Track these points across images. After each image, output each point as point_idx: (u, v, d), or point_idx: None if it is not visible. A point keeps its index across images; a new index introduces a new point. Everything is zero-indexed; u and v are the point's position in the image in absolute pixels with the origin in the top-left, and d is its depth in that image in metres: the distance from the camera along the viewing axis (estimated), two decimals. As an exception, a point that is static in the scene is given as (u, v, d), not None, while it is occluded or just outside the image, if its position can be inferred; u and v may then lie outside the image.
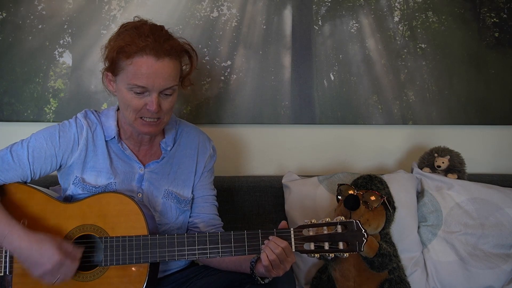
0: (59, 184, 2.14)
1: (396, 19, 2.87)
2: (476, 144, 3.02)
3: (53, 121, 2.69)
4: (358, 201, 2.32)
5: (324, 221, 1.85)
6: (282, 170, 2.89)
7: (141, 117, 1.97)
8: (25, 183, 2.01)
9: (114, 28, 2.64)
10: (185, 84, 2.06)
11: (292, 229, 1.86)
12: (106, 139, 2.07)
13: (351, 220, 1.85)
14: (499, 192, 2.69)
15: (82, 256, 1.87)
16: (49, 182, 2.37)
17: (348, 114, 2.89)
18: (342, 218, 1.85)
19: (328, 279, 2.48)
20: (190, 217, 2.20)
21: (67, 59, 2.69)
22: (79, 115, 2.10)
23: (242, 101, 2.81)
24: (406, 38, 2.89)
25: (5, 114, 2.68)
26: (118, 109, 2.12)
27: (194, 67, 2.05)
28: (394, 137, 2.98)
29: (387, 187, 2.50)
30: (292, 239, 1.85)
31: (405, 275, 2.53)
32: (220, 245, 1.88)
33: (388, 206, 2.42)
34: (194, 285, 2.08)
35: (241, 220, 2.65)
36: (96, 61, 1.94)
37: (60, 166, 2.05)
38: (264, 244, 1.85)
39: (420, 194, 2.71)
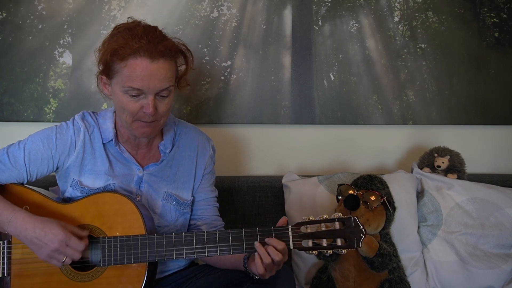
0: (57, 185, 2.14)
1: (396, 19, 2.87)
2: (476, 144, 3.02)
3: (53, 121, 2.69)
4: (358, 201, 2.32)
5: (322, 218, 1.84)
6: (282, 170, 2.89)
7: (138, 120, 1.94)
8: (22, 184, 2.00)
9: (114, 28, 2.66)
10: (182, 84, 2.03)
11: (290, 226, 1.85)
12: (104, 142, 2.05)
13: (348, 216, 1.84)
14: (499, 192, 2.69)
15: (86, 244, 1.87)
16: (49, 182, 2.37)
17: (348, 114, 2.89)
18: (340, 214, 1.85)
19: (328, 279, 2.48)
20: (192, 219, 2.20)
21: (67, 59, 2.69)
22: (76, 117, 2.08)
23: (242, 101, 2.81)
24: (406, 38, 2.89)
25: (5, 114, 2.68)
26: (115, 111, 2.10)
27: (189, 68, 2.02)
28: (394, 137, 2.98)
29: (387, 187, 2.49)
30: (290, 237, 1.84)
31: (405, 275, 2.52)
32: (218, 244, 1.87)
33: (388, 206, 2.42)
34: (193, 284, 2.08)
35: (241, 220, 2.65)
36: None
37: (57, 168, 2.04)
38: (257, 244, 1.84)
39: (420, 194, 2.71)
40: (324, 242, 1.82)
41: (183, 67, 2.01)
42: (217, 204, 2.25)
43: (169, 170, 2.12)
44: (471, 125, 2.98)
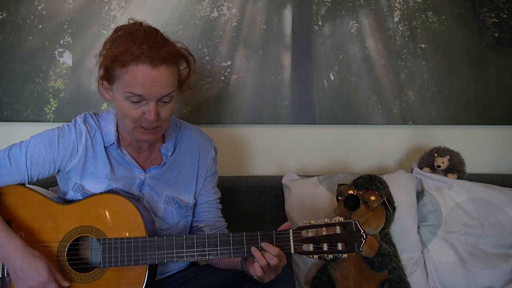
0: (58, 185, 2.13)
1: (396, 19, 2.87)
2: (476, 144, 3.02)
3: (53, 121, 2.69)
4: (358, 201, 2.32)
5: (323, 222, 1.85)
6: (282, 170, 2.89)
7: (139, 126, 1.92)
8: (22, 184, 2.00)
9: (114, 28, 2.65)
10: (184, 88, 2.01)
11: (291, 230, 1.85)
12: (105, 145, 2.03)
13: (350, 220, 1.84)
14: (499, 192, 2.69)
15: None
16: (49, 182, 2.36)
17: (348, 114, 2.89)
18: (341, 218, 1.85)
19: (328, 279, 2.48)
20: (195, 221, 2.20)
21: (67, 59, 2.69)
22: (78, 119, 2.05)
23: (242, 101, 2.81)
24: (406, 38, 2.88)
25: (5, 114, 2.68)
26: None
27: (192, 72, 1.99)
28: (394, 137, 2.98)
29: (387, 187, 2.50)
30: (291, 241, 1.84)
31: (405, 275, 2.53)
32: (219, 247, 1.87)
33: (388, 206, 2.42)
34: (193, 285, 2.08)
35: (241, 220, 2.65)
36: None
37: (59, 171, 2.03)
38: (253, 248, 1.85)
39: (420, 194, 2.71)
40: (325, 246, 1.82)
41: (185, 70, 1.98)
42: (220, 206, 2.25)
43: (171, 173, 2.11)
44: (471, 125, 2.98)
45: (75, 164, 2.01)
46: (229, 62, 2.79)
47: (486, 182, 2.77)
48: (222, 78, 2.79)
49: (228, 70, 2.79)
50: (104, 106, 2.70)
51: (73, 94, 2.70)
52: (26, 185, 2.00)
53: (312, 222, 1.85)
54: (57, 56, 2.68)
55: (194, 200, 2.16)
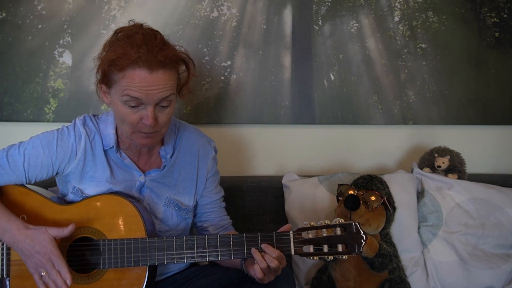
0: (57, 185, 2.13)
1: (396, 19, 2.86)
2: (476, 144, 3.02)
3: (52, 121, 2.69)
4: (358, 201, 2.32)
5: (323, 223, 1.85)
6: (282, 170, 2.89)
7: (137, 131, 1.90)
8: (21, 185, 1.99)
9: (114, 28, 2.62)
10: (183, 92, 1.99)
11: (291, 232, 1.86)
12: (105, 148, 2.02)
13: (350, 222, 1.85)
14: (499, 192, 2.69)
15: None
16: (49, 182, 2.34)
17: (348, 114, 2.88)
18: (341, 220, 1.85)
19: (328, 279, 2.48)
20: (199, 221, 2.20)
21: (67, 59, 2.69)
22: (77, 122, 2.04)
23: (242, 101, 2.81)
24: (406, 38, 2.88)
25: (5, 114, 2.68)
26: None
27: (191, 76, 1.97)
28: (394, 137, 2.98)
29: (387, 187, 2.49)
30: (292, 242, 1.84)
31: (405, 275, 2.53)
32: (219, 248, 1.87)
33: (388, 206, 2.42)
34: (193, 285, 2.08)
35: (241, 220, 2.64)
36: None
37: (57, 173, 2.03)
38: (253, 250, 1.85)
39: (420, 194, 2.71)
40: (325, 248, 1.83)
41: (185, 74, 1.96)
42: (224, 204, 2.24)
43: (171, 176, 2.10)
44: (471, 125, 2.98)
45: (73, 167, 2.00)
46: (229, 62, 2.78)
47: (486, 182, 2.77)
48: (222, 78, 2.79)
49: (228, 70, 2.78)
50: (104, 106, 2.69)
51: (73, 94, 2.70)
52: (25, 185, 2.00)
53: (312, 223, 1.86)
54: (57, 56, 2.68)
55: (195, 202, 2.16)
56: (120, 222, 1.92)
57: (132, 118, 1.86)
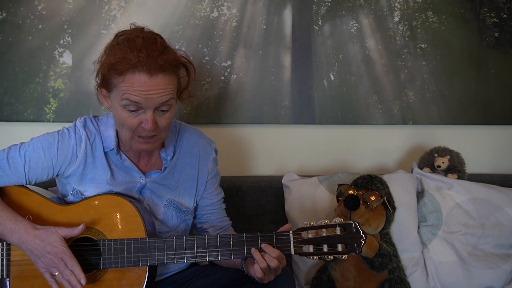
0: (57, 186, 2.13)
1: (396, 19, 2.86)
2: (476, 144, 3.02)
3: (53, 121, 2.69)
4: (358, 201, 2.33)
5: (323, 223, 1.85)
6: (282, 170, 2.89)
7: (137, 136, 1.90)
8: (22, 185, 1.99)
9: (114, 28, 2.66)
10: (184, 97, 1.98)
11: (291, 232, 1.86)
12: (105, 150, 2.02)
13: (349, 222, 1.85)
14: (499, 192, 2.69)
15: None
16: (49, 182, 2.33)
17: (348, 114, 2.88)
18: (341, 220, 1.85)
19: (328, 279, 2.48)
20: (199, 222, 2.20)
21: (67, 59, 2.69)
22: (78, 124, 2.03)
23: (242, 101, 2.81)
24: (406, 38, 2.88)
25: (5, 114, 2.68)
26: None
27: (192, 80, 1.96)
28: (394, 137, 2.98)
29: (387, 187, 2.49)
30: (291, 242, 1.84)
31: (405, 275, 2.53)
32: (219, 248, 1.87)
33: (388, 206, 2.42)
34: (193, 285, 2.08)
35: (241, 220, 2.64)
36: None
37: (58, 175, 2.03)
38: (253, 250, 1.85)
39: (420, 194, 2.71)
40: (325, 248, 1.83)
41: (185, 78, 1.95)
42: (224, 205, 2.24)
43: (171, 178, 2.09)
44: (471, 125, 2.98)
45: (74, 169, 2.00)
46: (229, 62, 2.78)
47: (486, 182, 2.77)
48: (222, 78, 2.79)
49: (228, 70, 2.78)
50: (104, 106, 2.68)
51: (73, 94, 2.70)
52: (26, 186, 2.00)
53: (312, 223, 1.86)
54: (57, 56, 2.68)
55: (195, 204, 2.16)
56: (120, 222, 1.93)
57: (132, 123, 1.86)
